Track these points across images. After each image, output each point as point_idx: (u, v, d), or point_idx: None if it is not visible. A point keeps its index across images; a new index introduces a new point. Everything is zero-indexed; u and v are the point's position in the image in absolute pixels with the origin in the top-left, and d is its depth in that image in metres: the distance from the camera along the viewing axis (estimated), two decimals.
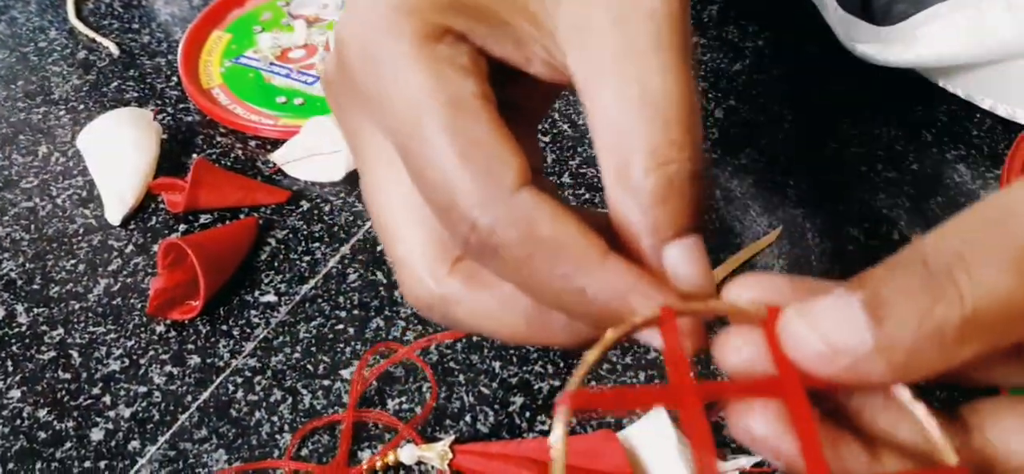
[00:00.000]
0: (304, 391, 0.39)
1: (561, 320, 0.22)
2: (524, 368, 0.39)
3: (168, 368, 0.40)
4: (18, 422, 0.38)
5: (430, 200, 0.22)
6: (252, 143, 0.51)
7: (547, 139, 0.51)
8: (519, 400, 0.38)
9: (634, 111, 0.20)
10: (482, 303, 0.22)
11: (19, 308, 0.43)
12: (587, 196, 0.47)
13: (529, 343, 0.23)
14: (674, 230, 0.20)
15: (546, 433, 0.37)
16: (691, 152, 0.20)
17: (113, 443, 0.37)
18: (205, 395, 0.39)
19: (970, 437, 0.19)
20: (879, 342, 0.17)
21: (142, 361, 0.40)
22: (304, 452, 0.37)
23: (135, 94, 0.55)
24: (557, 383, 0.39)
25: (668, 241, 0.20)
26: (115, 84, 0.56)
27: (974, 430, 0.19)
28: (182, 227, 0.47)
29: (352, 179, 0.48)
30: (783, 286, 0.19)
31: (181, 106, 0.54)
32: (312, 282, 0.44)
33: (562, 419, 0.17)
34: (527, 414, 0.38)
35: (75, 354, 0.41)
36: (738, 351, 0.19)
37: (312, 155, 0.48)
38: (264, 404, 0.38)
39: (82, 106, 0.55)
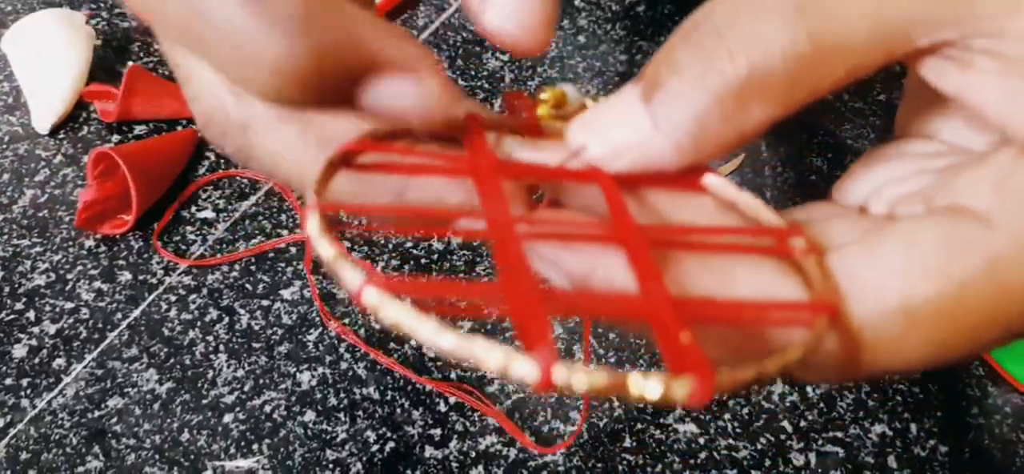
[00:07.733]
0: (241, 311, 0.37)
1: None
2: None
3: (97, 284, 0.38)
4: None
5: None
6: None
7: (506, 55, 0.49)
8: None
9: None
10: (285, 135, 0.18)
11: None
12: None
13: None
14: None
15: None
16: None
17: (37, 360, 0.35)
18: (136, 313, 0.37)
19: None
20: (659, 127, 0.15)
21: (69, 276, 0.38)
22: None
23: None
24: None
25: None
26: None
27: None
28: (115, 137, 0.44)
29: None
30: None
31: (117, 10, 0.51)
32: (253, 199, 0.41)
33: (315, 210, 0.13)
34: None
35: None
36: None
37: None
38: (199, 323, 0.37)
39: (9, 7, 0.51)
